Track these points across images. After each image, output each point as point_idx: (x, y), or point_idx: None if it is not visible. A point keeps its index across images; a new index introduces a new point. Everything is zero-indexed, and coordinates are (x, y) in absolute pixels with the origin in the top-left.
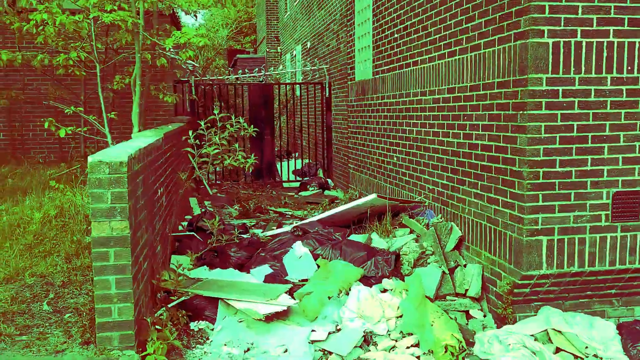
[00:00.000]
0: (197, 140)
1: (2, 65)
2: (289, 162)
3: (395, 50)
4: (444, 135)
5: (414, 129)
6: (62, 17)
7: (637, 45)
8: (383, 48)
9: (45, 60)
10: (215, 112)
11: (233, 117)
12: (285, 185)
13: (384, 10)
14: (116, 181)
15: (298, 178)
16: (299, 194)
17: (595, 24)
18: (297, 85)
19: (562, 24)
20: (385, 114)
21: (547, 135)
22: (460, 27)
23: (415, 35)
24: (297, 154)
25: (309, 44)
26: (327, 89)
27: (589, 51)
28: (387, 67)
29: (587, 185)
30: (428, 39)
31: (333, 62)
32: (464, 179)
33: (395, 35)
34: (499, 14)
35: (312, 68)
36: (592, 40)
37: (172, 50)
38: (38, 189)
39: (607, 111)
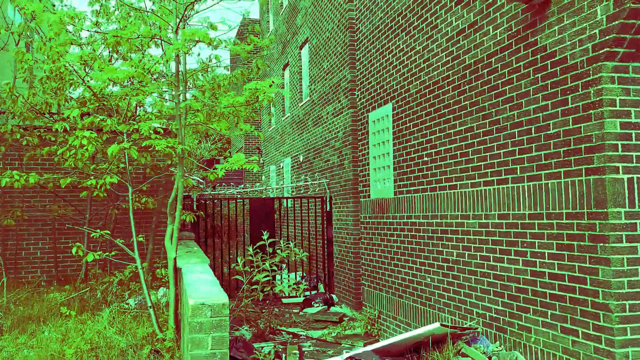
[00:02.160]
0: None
1: (18, 186)
2: (282, 275)
3: (426, 172)
4: (496, 261)
5: (454, 251)
6: (114, 147)
7: None
8: (409, 169)
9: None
10: (265, 236)
11: (282, 242)
12: (284, 300)
13: (408, 134)
14: (218, 325)
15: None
16: (304, 310)
17: (634, 160)
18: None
19: (634, 161)
20: (414, 234)
21: (629, 267)
22: (512, 157)
23: (452, 161)
24: (284, 265)
25: (301, 158)
26: (328, 203)
27: None
28: (414, 187)
29: None
30: (469, 165)
31: (334, 177)
32: (527, 306)
33: (425, 159)
34: (563, 149)
35: (313, 182)
36: None
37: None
38: (50, 317)
39: None
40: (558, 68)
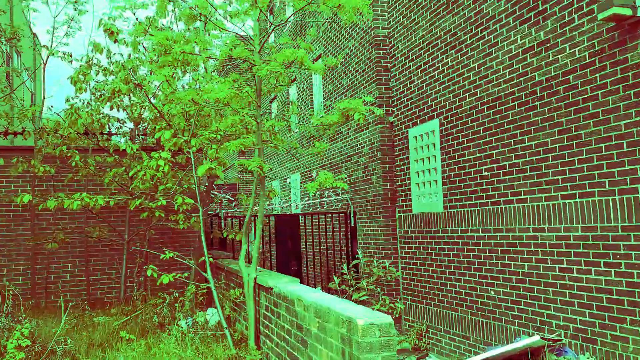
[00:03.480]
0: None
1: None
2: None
3: (486, 187)
4: (581, 272)
5: (524, 264)
6: (203, 167)
7: None
8: (463, 184)
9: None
10: (359, 255)
11: (363, 259)
12: None
13: (461, 150)
14: (386, 344)
15: None
16: None
17: None
18: (314, 215)
19: None
20: (471, 247)
21: None
22: (599, 171)
23: (520, 175)
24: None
25: (314, 173)
26: (352, 218)
27: None
28: (470, 202)
29: None
30: (543, 179)
31: (359, 192)
32: (622, 316)
33: (485, 173)
34: None
35: (337, 199)
36: None
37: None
38: (113, 342)
39: None
40: None
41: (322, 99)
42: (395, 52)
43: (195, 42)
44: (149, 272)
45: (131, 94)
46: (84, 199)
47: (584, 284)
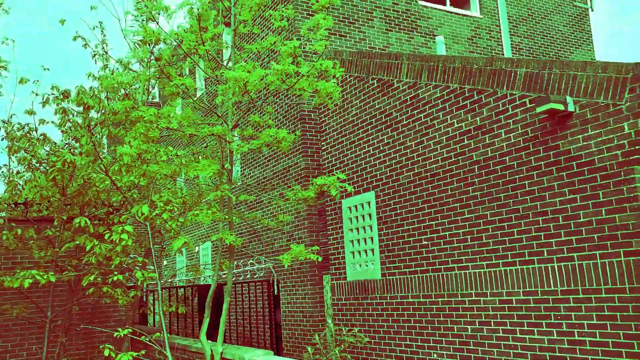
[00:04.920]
0: None
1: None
2: None
3: (426, 255)
4: (524, 333)
5: (468, 326)
6: (178, 242)
7: None
8: (402, 252)
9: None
10: (346, 338)
11: (344, 328)
12: None
13: (399, 220)
14: None
15: None
16: None
17: None
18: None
19: None
20: (412, 312)
21: None
22: (537, 241)
23: (461, 244)
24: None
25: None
26: (275, 287)
27: None
28: (410, 269)
29: None
30: (484, 248)
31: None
32: None
33: (425, 242)
34: (597, 235)
35: (260, 267)
36: None
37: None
38: None
39: None
40: (585, 169)
41: (240, 167)
42: (327, 127)
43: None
44: (105, 352)
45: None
46: (35, 276)
47: (528, 344)
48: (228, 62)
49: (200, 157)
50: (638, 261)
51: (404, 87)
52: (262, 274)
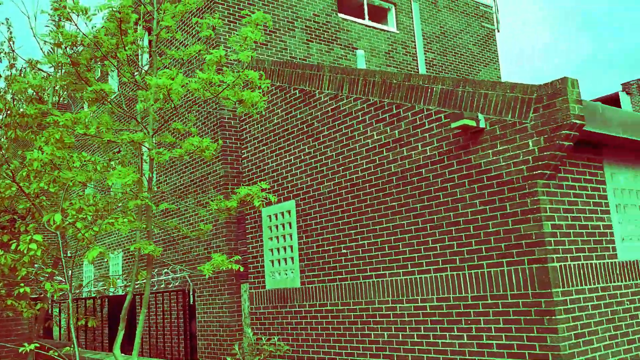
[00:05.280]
0: None
1: None
2: None
3: (345, 263)
4: (437, 337)
5: (384, 333)
6: (93, 252)
7: (598, 265)
8: (321, 261)
9: None
10: (266, 347)
11: (263, 338)
12: None
13: (319, 229)
14: None
15: None
16: None
17: (561, 252)
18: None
19: (560, 252)
20: (330, 320)
21: (568, 332)
22: (450, 250)
23: (379, 253)
24: None
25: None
26: (191, 296)
27: (572, 270)
28: (329, 277)
29: None
30: (401, 257)
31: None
32: None
33: (344, 251)
34: (504, 244)
35: (175, 276)
36: (575, 263)
37: None
38: None
39: (591, 312)
40: (494, 182)
41: (155, 174)
42: (248, 135)
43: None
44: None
45: None
46: None
47: (440, 348)
48: (150, 68)
49: (113, 163)
50: (540, 268)
51: (326, 99)
52: (177, 284)
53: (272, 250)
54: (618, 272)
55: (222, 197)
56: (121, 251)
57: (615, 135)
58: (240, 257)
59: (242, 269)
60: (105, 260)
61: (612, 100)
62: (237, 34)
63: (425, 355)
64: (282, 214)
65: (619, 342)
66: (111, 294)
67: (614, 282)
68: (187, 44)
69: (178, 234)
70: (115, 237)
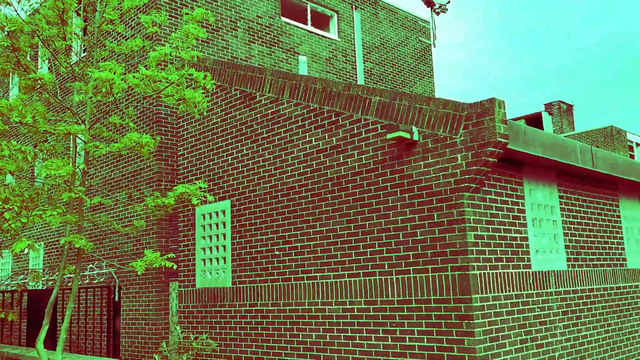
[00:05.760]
0: None
1: None
2: None
3: (277, 264)
4: (363, 339)
5: (312, 333)
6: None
7: (514, 274)
8: (254, 262)
9: None
10: (195, 345)
11: (191, 335)
12: None
13: (253, 230)
14: None
15: None
16: None
17: (481, 261)
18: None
19: (481, 261)
20: (259, 320)
21: (484, 336)
22: (380, 255)
23: (311, 256)
24: None
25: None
26: (117, 293)
27: (491, 278)
28: (261, 278)
29: None
30: (332, 260)
31: (127, 265)
32: None
33: (277, 253)
34: (430, 251)
35: (100, 272)
36: (494, 271)
37: None
38: None
39: (505, 317)
40: (424, 192)
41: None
42: (185, 133)
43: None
44: None
45: None
46: None
47: (365, 349)
48: (88, 59)
49: (42, 154)
50: (461, 275)
51: (266, 102)
52: (102, 280)
53: (204, 249)
54: (531, 281)
55: (159, 193)
56: (42, 244)
57: (535, 154)
58: (174, 255)
59: (175, 267)
60: (25, 252)
61: (535, 119)
62: (179, 31)
63: (350, 356)
64: (217, 213)
65: (528, 346)
66: (30, 288)
67: (527, 290)
68: (128, 37)
69: (107, 229)
70: (36, 229)
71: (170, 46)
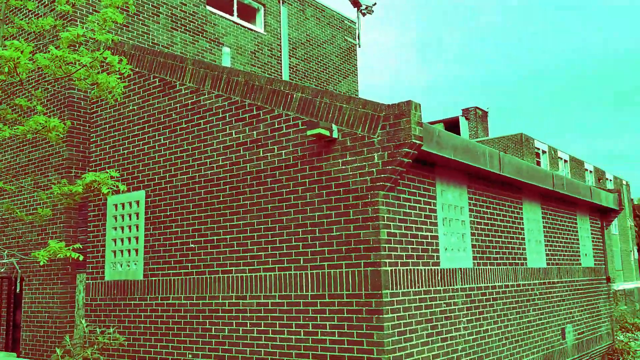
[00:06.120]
0: None
1: None
2: None
3: (192, 258)
4: (276, 333)
5: (225, 327)
6: None
7: (423, 271)
8: (167, 254)
9: None
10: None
11: (98, 329)
12: None
13: (169, 222)
14: None
15: None
16: None
17: (393, 257)
18: None
19: (393, 257)
20: (171, 314)
21: (393, 330)
22: (296, 250)
23: (227, 249)
24: None
25: None
26: (18, 284)
27: (401, 275)
28: (174, 271)
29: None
30: (248, 254)
31: (30, 255)
32: None
33: (192, 246)
34: (345, 247)
35: (1, 262)
36: (404, 268)
37: None
38: None
39: (413, 312)
40: (341, 189)
41: None
42: (99, 119)
43: None
44: None
45: None
46: None
47: (278, 343)
48: None
49: None
50: (373, 271)
51: (187, 92)
52: (3, 270)
53: (115, 240)
54: (439, 278)
55: (67, 181)
56: None
57: (447, 157)
58: (80, 245)
59: (81, 258)
60: None
61: (453, 123)
62: (97, 15)
63: (263, 350)
64: (130, 203)
65: (434, 340)
66: None
67: (435, 286)
68: (40, 15)
69: (10, 217)
70: None
71: (85, 29)
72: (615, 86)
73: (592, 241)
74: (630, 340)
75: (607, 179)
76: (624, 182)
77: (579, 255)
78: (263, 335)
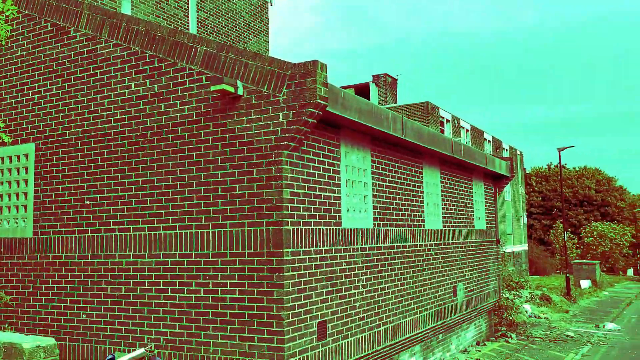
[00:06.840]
0: None
1: None
2: None
3: (86, 215)
4: (175, 292)
5: (122, 287)
6: None
7: (325, 230)
8: (60, 211)
9: None
10: None
11: None
12: None
13: (61, 177)
14: None
15: None
16: None
17: (295, 217)
18: None
19: (295, 217)
20: (64, 273)
21: (293, 288)
22: (197, 209)
23: (125, 207)
24: None
25: None
26: None
27: (303, 234)
28: (67, 229)
29: (308, 318)
30: (147, 212)
31: None
32: (207, 325)
33: (87, 202)
34: (247, 206)
35: None
36: (306, 227)
37: None
38: None
39: (314, 271)
40: (245, 147)
41: None
42: None
43: None
44: None
45: None
46: None
47: (177, 302)
48: None
49: None
50: (275, 230)
51: (82, 39)
52: None
53: (1, 195)
54: (340, 237)
55: None
56: None
57: (352, 119)
58: None
59: None
60: None
61: (364, 89)
62: None
63: (161, 309)
64: (18, 157)
65: (333, 297)
66: None
67: (336, 246)
68: None
69: None
70: None
71: None
72: (525, 64)
73: (485, 206)
74: (515, 297)
75: (503, 148)
76: (519, 152)
77: (473, 219)
78: (162, 294)
